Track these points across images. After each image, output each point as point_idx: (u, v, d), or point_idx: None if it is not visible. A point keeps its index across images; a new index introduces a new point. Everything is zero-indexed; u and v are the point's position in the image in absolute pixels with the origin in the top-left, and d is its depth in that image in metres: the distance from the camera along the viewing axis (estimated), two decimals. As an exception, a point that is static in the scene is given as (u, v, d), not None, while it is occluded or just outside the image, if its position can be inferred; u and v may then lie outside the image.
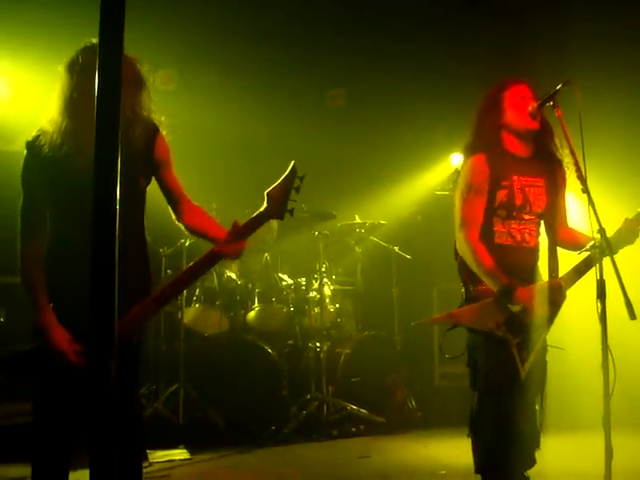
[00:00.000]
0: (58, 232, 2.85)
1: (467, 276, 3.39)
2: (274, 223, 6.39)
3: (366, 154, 7.50)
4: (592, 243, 3.11)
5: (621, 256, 3.16)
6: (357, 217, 6.71)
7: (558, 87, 3.23)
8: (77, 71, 2.75)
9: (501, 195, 3.35)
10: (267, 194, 2.92)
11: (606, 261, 3.03)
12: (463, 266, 3.40)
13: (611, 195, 5.26)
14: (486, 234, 3.36)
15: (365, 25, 6.76)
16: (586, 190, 3.09)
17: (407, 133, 7.31)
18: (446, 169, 7.20)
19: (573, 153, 3.15)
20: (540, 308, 3.26)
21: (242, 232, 2.91)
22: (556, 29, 6.17)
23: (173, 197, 3.04)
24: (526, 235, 3.40)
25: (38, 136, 2.82)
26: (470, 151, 3.47)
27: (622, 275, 2.93)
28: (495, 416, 3.28)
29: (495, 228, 3.37)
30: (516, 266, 3.33)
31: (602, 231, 3.06)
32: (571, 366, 5.30)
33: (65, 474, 2.83)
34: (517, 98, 3.43)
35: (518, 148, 3.45)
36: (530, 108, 3.35)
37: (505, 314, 3.23)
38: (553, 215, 3.47)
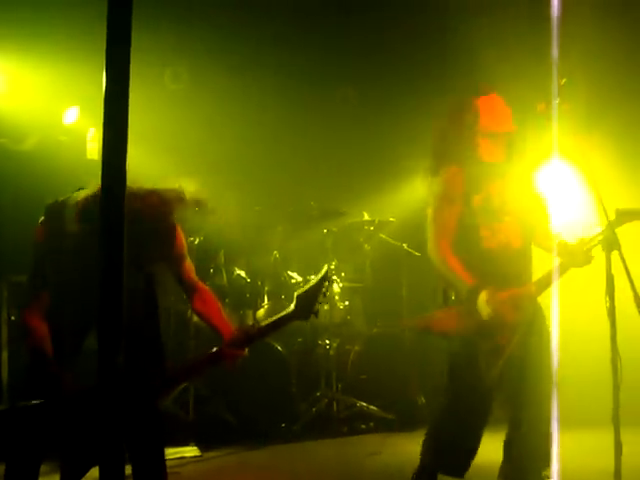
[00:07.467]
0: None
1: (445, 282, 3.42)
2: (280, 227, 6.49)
3: (374, 151, 7.48)
4: (599, 231, 3.10)
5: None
6: (366, 214, 6.69)
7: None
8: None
9: (477, 200, 3.34)
10: (297, 296, 2.99)
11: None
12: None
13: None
14: (470, 240, 3.34)
15: (370, 24, 6.77)
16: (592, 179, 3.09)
17: (415, 129, 7.29)
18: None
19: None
20: (510, 312, 3.23)
21: (250, 338, 3.04)
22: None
23: (187, 286, 3.13)
24: (511, 237, 3.37)
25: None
26: (442, 162, 3.45)
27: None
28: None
29: (481, 233, 3.34)
30: (504, 270, 3.31)
31: (610, 224, 3.05)
32: (581, 363, 5.28)
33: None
34: (492, 103, 3.43)
35: (493, 153, 3.43)
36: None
37: (476, 318, 3.23)
38: (532, 218, 3.45)
